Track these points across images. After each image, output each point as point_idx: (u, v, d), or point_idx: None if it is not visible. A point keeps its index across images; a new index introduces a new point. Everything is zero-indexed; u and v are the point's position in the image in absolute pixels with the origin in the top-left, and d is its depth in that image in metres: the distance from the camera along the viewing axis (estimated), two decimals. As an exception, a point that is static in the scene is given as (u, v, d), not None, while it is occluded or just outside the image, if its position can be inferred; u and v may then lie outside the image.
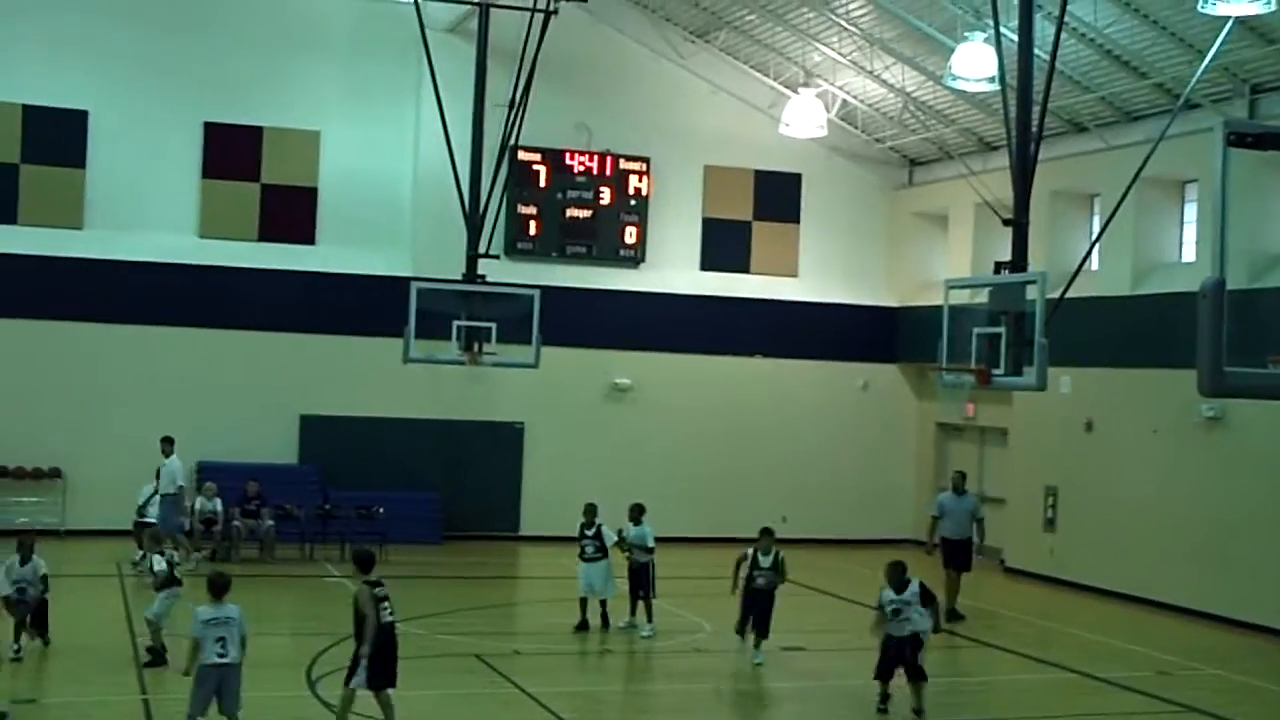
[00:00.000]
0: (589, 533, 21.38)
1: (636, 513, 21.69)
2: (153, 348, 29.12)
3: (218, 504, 26.67)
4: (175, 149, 29.82)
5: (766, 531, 19.93)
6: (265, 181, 30.42)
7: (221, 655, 13.56)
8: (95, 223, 29.28)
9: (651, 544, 21.51)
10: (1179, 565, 24.51)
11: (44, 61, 29.11)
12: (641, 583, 21.38)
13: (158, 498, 25.58)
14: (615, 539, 21.37)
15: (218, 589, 13.96)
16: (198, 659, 13.50)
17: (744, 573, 19.70)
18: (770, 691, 18.72)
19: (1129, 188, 19.05)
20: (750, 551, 19.70)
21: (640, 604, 21.35)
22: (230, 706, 13.65)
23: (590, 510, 21.62)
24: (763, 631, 19.44)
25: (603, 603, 21.25)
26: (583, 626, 21.13)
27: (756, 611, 19.48)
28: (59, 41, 29.15)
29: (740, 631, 19.68)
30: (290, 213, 30.47)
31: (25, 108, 29.02)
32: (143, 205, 29.58)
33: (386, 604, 14.61)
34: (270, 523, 26.99)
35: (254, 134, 30.33)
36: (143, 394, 28.89)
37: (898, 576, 16.85)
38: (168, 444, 25.44)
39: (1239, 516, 24.16)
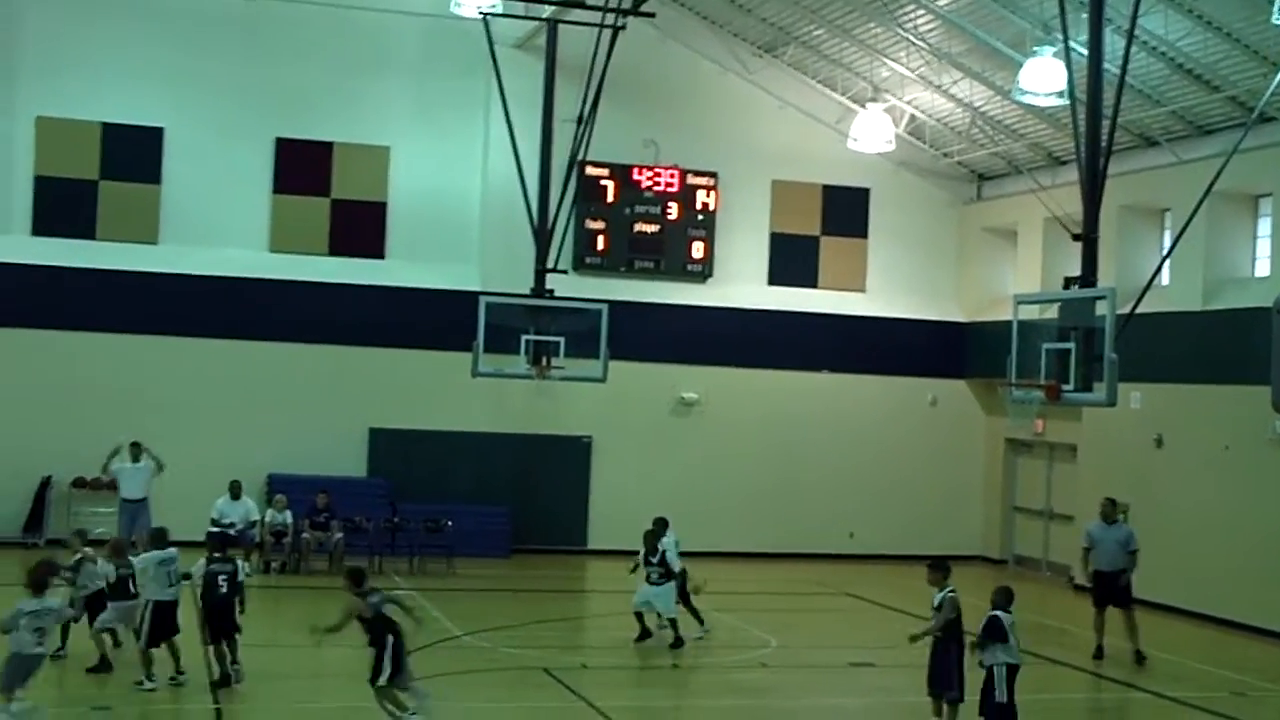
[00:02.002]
0: (654, 559, 21.23)
1: (661, 526, 21.69)
2: (224, 361, 29.43)
3: (288, 516, 26.90)
4: (247, 165, 30.18)
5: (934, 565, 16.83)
6: (335, 196, 30.71)
7: (39, 645, 14.44)
8: (170, 238, 29.70)
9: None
10: (1252, 583, 24.21)
11: (122, 81, 29.58)
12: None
13: (235, 507, 26.04)
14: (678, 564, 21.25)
15: (38, 583, 14.71)
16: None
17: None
18: (838, 708, 18.65)
19: (1201, 202, 18.95)
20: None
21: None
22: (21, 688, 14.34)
23: (653, 534, 21.46)
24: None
25: (672, 621, 21.17)
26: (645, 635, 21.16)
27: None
28: (136, 61, 29.60)
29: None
30: (360, 227, 30.73)
31: (104, 125, 29.47)
32: (216, 220, 29.95)
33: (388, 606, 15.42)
34: (339, 535, 27.17)
35: (324, 149, 30.63)
36: (214, 406, 29.20)
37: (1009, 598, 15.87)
38: (135, 449, 25.97)
39: (1313, 534, 23.88)
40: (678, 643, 20.95)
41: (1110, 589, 22.03)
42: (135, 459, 26.12)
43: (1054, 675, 21.19)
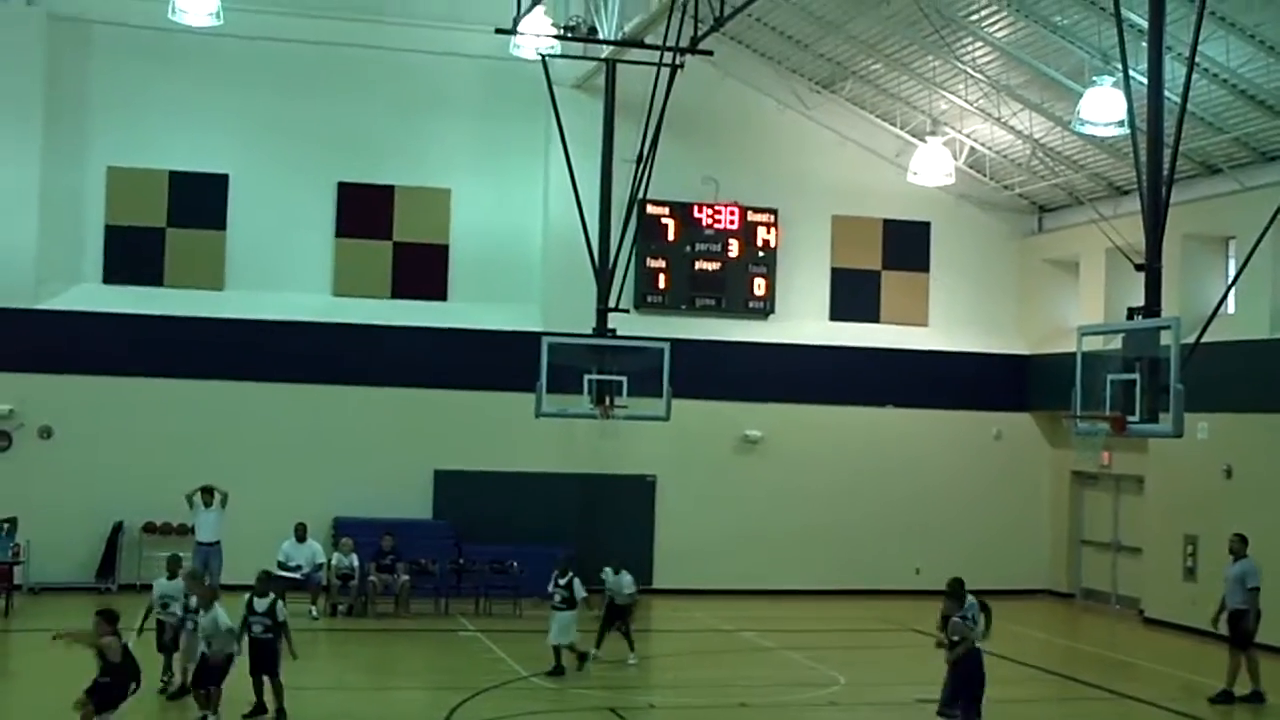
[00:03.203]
0: (561, 582, 21.86)
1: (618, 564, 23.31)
2: (290, 405, 29.67)
3: (354, 559, 27.05)
4: (310, 209, 30.49)
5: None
6: (398, 239, 30.94)
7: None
8: (235, 283, 30.02)
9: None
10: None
11: (187, 129, 29.91)
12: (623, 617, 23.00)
13: (301, 550, 26.32)
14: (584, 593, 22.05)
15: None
16: None
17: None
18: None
19: (1266, 229, 18.79)
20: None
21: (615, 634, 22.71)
22: None
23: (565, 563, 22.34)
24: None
25: (571, 647, 21.58)
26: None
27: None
28: (201, 108, 29.94)
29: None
30: (422, 270, 30.94)
31: (170, 174, 29.88)
32: (280, 265, 30.26)
33: None
34: (405, 577, 27.28)
35: (386, 193, 30.90)
36: (280, 450, 29.41)
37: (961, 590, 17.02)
38: (208, 494, 26.46)
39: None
40: (582, 660, 21.55)
41: (1232, 628, 21.43)
42: (207, 504, 26.44)
43: (1124, 711, 20.98)
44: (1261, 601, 21.66)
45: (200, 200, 29.88)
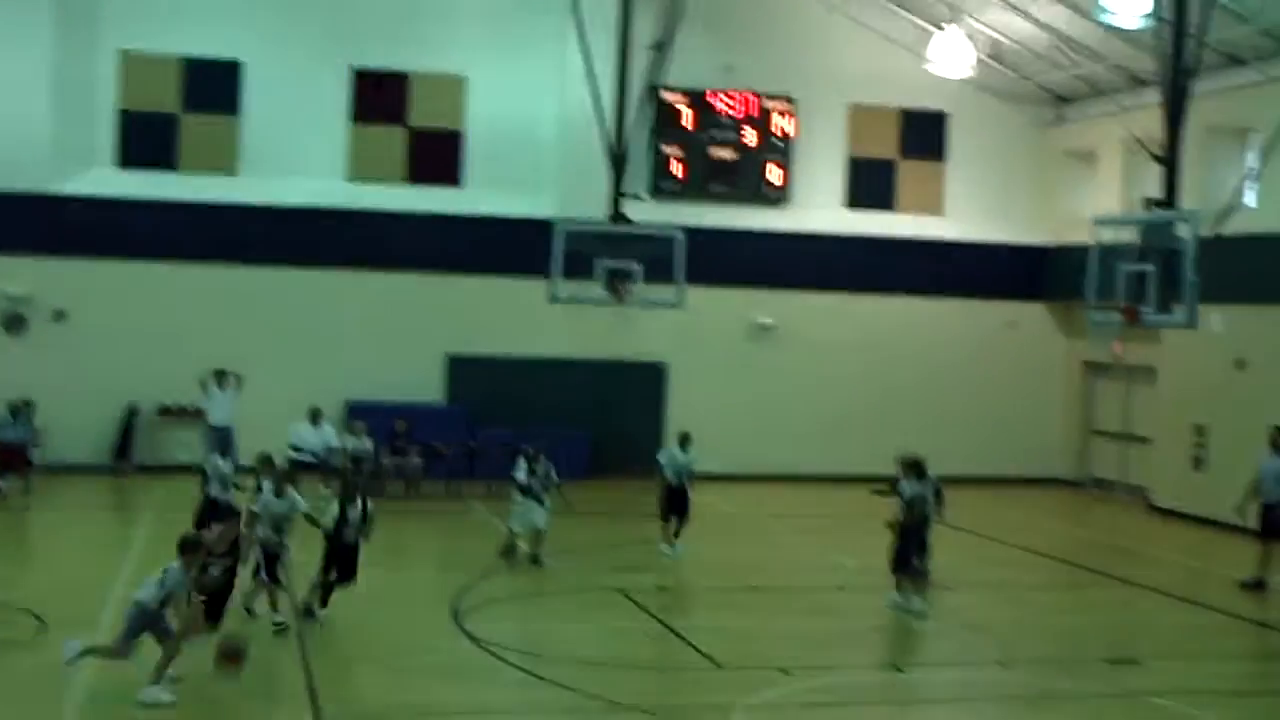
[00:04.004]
0: (538, 469, 21.22)
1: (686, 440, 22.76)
2: (303, 290, 29.72)
3: (367, 442, 27.16)
4: (324, 95, 30.36)
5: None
6: (412, 125, 30.84)
7: None
8: (249, 169, 29.99)
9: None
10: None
11: (199, 15, 29.76)
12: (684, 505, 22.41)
13: (316, 433, 26.48)
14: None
15: None
16: None
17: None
18: (912, 628, 18.69)
19: (1285, 121, 18.66)
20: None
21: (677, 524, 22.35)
22: None
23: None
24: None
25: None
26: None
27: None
28: (213, -7, 29.81)
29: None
30: (437, 156, 30.86)
31: (183, 60, 29.73)
32: (294, 151, 30.17)
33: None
34: (418, 460, 27.50)
35: (401, 79, 30.76)
36: (293, 335, 29.51)
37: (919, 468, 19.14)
38: (221, 377, 26.69)
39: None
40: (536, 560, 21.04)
41: (1270, 521, 21.33)
42: (221, 387, 26.63)
43: (1129, 597, 21.16)
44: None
45: (214, 86, 29.81)
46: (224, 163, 29.92)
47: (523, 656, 15.76)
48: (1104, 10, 25.11)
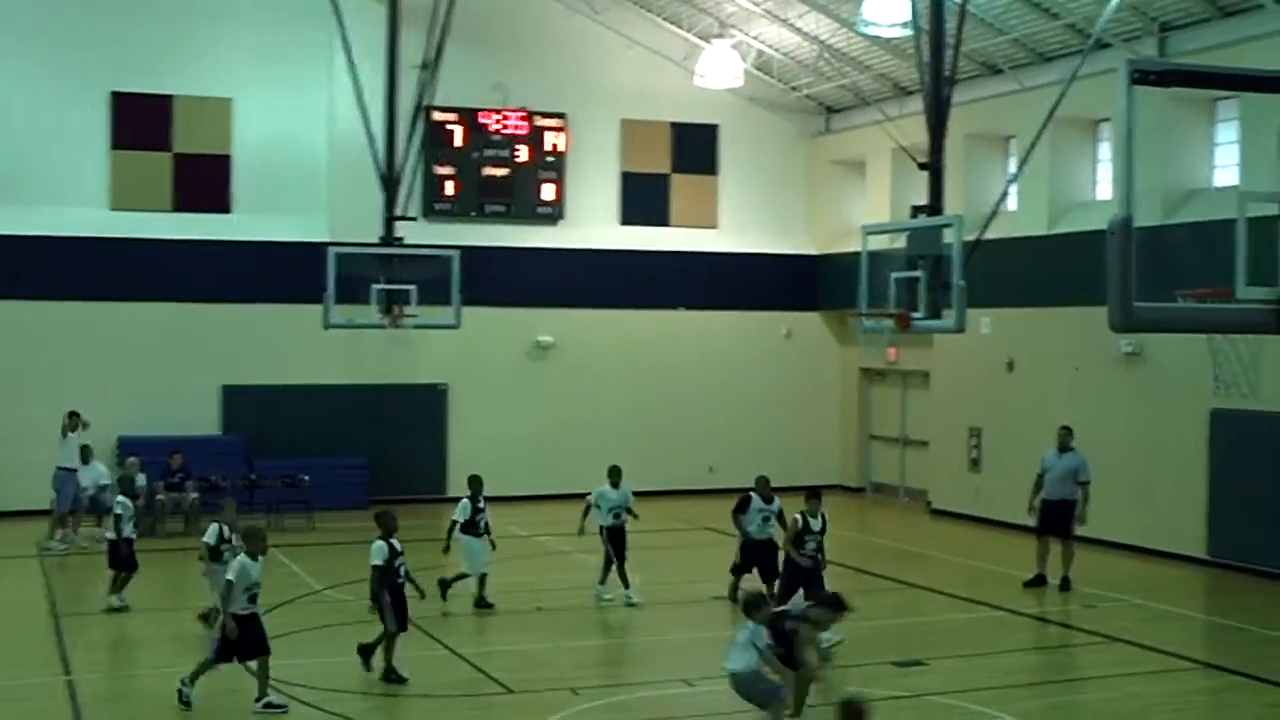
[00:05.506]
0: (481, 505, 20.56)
1: (616, 475, 21.11)
2: (67, 323, 28.70)
3: (141, 478, 26.30)
4: (82, 121, 29.35)
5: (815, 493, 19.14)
6: (177, 151, 30.03)
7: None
8: (4, 198, 28.77)
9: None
10: (1102, 499, 24.60)
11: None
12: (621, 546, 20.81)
13: (87, 472, 25.64)
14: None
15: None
16: None
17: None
18: (697, 641, 18.64)
19: (1043, 128, 19.17)
20: (799, 516, 18.86)
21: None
22: None
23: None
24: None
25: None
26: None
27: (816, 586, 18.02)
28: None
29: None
30: (204, 182, 30.09)
31: (-72, 83, 28.59)
32: (52, 179, 29.09)
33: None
34: (194, 495, 26.77)
35: (164, 103, 29.92)
36: (60, 371, 28.45)
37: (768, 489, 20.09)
38: (73, 418, 25.64)
39: (1159, 449, 24.49)
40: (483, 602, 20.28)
41: (1051, 517, 22.04)
42: (74, 430, 25.59)
43: (912, 599, 21.55)
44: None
45: (-37, 113, 28.62)
46: (-24, 193, 28.76)
47: (310, 691, 15.36)
48: (865, 21, 25.57)
